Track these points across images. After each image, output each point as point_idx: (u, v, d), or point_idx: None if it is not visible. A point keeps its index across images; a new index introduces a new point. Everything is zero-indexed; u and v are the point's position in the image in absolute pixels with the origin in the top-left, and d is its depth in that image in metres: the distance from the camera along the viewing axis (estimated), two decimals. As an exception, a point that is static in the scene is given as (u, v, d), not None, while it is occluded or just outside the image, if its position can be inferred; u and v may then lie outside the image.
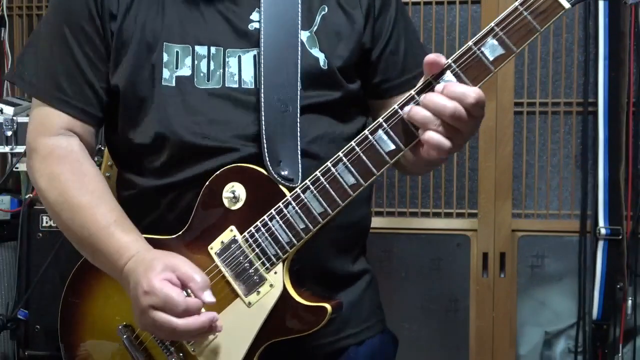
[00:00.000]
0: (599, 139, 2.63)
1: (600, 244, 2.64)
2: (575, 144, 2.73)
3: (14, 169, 2.64)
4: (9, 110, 2.67)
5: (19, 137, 2.61)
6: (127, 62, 1.22)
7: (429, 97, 1.03)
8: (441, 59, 1.05)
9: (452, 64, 1.06)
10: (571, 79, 2.72)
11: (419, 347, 2.81)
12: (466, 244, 2.77)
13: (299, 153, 1.18)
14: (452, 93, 1.03)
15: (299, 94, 1.20)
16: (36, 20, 3.09)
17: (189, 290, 1.11)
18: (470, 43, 1.05)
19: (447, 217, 2.79)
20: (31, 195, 2.57)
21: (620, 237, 2.61)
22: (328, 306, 1.12)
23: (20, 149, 2.60)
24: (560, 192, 2.74)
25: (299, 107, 1.20)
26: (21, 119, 2.62)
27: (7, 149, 2.63)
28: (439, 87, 1.04)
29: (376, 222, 2.77)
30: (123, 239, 1.17)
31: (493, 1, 2.61)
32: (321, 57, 1.24)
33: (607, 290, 2.63)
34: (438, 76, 1.05)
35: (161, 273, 1.09)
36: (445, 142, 1.03)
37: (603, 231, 2.62)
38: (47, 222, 2.56)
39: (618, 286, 2.62)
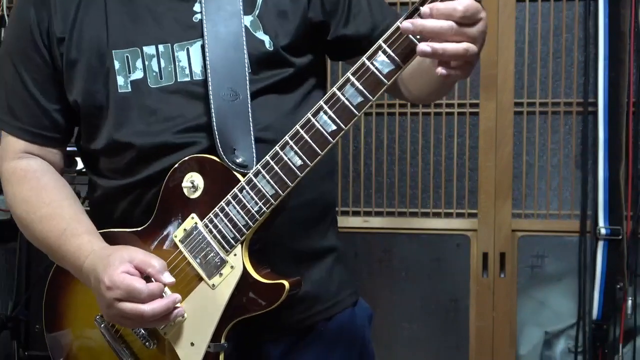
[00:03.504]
0: (599, 139, 2.63)
1: (600, 244, 2.64)
2: (575, 144, 2.73)
3: (14, 169, 2.64)
4: (9, 110, 2.67)
5: (19, 137, 2.61)
6: (81, 77, 1.27)
7: (420, 22, 1.03)
8: None
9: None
10: (571, 79, 2.72)
11: (419, 347, 2.81)
12: (466, 244, 2.77)
13: (252, 140, 1.22)
14: (439, 11, 1.02)
15: (247, 79, 1.23)
16: (36, 20, 3.09)
17: (150, 277, 1.17)
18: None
19: (447, 217, 2.79)
20: (31, 195, 2.57)
21: (620, 237, 2.61)
22: (286, 283, 1.17)
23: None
24: (560, 192, 2.74)
25: (249, 93, 1.23)
26: (21, 119, 2.62)
27: (7, 149, 2.62)
28: (425, 10, 1.03)
29: (376, 222, 2.79)
30: (76, 242, 1.24)
31: (493, 1, 2.61)
32: (266, 39, 1.27)
33: (607, 290, 2.63)
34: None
35: (119, 266, 1.15)
36: (464, 46, 1.03)
37: (603, 231, 2.62)
38: (47, 222, 2.56)
39: (618, 286, 2.62)
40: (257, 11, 1.27)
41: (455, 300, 2.80)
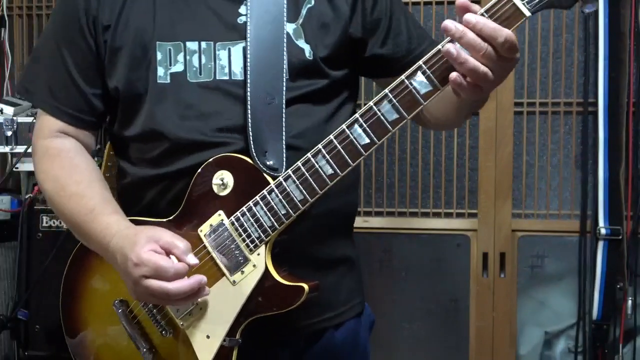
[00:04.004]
0: (599, 139, 2.63)
1: (600, 244, 2.64)
2: (575, 144, 2.73)
3: (14, 169, 2.64)
4: (9, 110, 2.67)
5: (19, 137, 2.61)
6: (123, 65, 1.30)
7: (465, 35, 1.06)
8: (472, 6, 1.08)
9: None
10: (571, 79, 2.72)
11: (419, 347, 2.81)
12: (466, 244, 2.77)
13: (284, 146, 1.25)
14: (485, 27, 1.05)
15: (284, 85, 1.26)
16: (36, 20, 3.09)
17: (174, 257, 1.20)
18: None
19: (447, 217, 2.80)
20: (31, 195, 2.57)
21: (620, 237, 2.61)
22: (305, 285, 1.20)
23: (20, 149, 2.60)
24: (560, 192, 2.74)
25: (284, 98, 1.26)
26: (21, 119, 2.62)
27: (7, 149, 2.63)
28: (470, 19, 1.06)
29: (376, 222, 2.79)
30: (104, 221, 1.27)
31: (493, 1, 2.61)
32: (307, 48, 1.30)
33: (607, 290, 2.64)
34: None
35: (146, 245, 1.18)
36: (485, 69, 1.06)
37: (603, 231, 2.62)
38: (47, 222, 2.56)
39: (618, 286, 2.62)
40: (301, 20, 1.30)
41: (455, 300, 2.80)
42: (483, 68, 1.05)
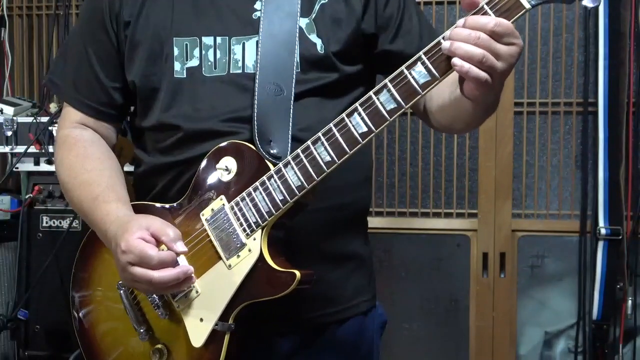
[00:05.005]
0: (599, 139, 2.63)
1: (600, 244, 2.64)
2: (575, 144, 2.73)
3: (14, 169, 2.64)
4: (9, 110, 2.67)
5: (19, 137, 2.61)
6: (141, 59, 1.36)
7: (455, 31, 1.09)
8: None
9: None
10: (571, 79, 2.72)
11: (419, 347, 2.81)
12: (466, 244, 2.77)
13: (289, 136, 1.27)
14: (472, 21, 1.08)
15: (294, 77, 1.29)
16: (36, 20, 3.09)
17: (163, 245, 1.23)
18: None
19: (447, 217, 2.80)
20: (31, 195, 2.57)
21: (620, 237, 2.61)
22: (297, 273, 1.20)
23: (20, 149, 2.60)
24: (560, 192, 2.74)
25: (293, 91, 1.29)
26: (21, 119, 2.62)
27: (7, 149, 2.62)
28: (460, 22, 1.10)
29: (376, 222, 2.79)
30: (105, 208, 1.31)
31: (493, 1, 2.61)
32: (318, 42, 1.33)
33: (607, 290, 2.64)
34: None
35: (136, 232, 1.21)
36: (483, 74, 1.08)
37: (603, 231, 2.62)
38: (47, 222, 2.56)
39: (618, 286, 2.62)
40: (314, 15, 1.34)
41: (455, 300, 2.80)
42: (479, 51, 1.06)
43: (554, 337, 2.79)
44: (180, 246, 1.21)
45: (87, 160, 1.38)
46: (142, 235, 1.20)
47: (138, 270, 1.19)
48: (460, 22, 1.09)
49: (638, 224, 2.60)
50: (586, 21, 2.67)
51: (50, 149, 2.55)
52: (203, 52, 1.33)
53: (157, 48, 1.35)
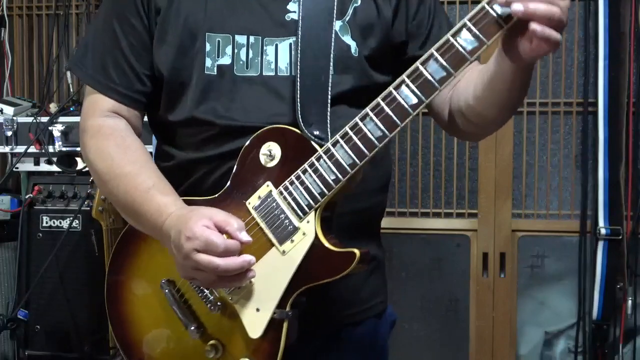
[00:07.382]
0: (599, 139, 2.63)
1: (600, 244, 2.64)
2: (575, 144, 2.73)
3: (14, 169, 2.64)
4: (9, 110, 2.68)
5: (19, 137, 2.61)
6: (170, 52, 1.33)
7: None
8: None
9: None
10: (571, 79, 2.72)
11: (419, 347, 2.81)
12: (466, 244, 2.77)
13: (328, 119, 1.27)
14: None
15: (330, 79, 1.29)
16: (36, 20, 3.09)
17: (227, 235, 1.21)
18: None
19: (447, 217, 2.80)
20: (31, 195, 2.57)
21: (620, 237, 2.61)
22: (357, 251, 1.18)
23: (20, 149, 2.60)
24: (560, 192, 2.74)
25: (329, 92, 1.29)
26: (21, 119, 2.62)
27: (7, 149, 2.63)
28: None
29: (376, 222, 2.79)
30: (162, 200, 1.28)
31: (493, 1, 2.61)
32: (353, 44, 1.33)
33: (607, 290, 2.64)
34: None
35: (199, 220, 1.19)
36: (554, 33, 1.12)
37: (603, 231, 2.62)
38: (47, 222, 2.56)
39: (618, 286, 2.62)
40: (347, 17, 1.33)
41: (455, 300, 2.80)
42: (554, 9, 1.09)
43: (554, 337, 2.79)
44: (245, 236, 1.20)
45: (128, 152, 1.34)
46: (206, 224, 1.19)
47: (203, 257, 1.16)
48: None
49: (638, 224, 2.60)
50: (586, 21, 2.67)
51: (50, 149, 2.55)
52: (235, 50, 1.31)
53: (187, 41, 1.32)
